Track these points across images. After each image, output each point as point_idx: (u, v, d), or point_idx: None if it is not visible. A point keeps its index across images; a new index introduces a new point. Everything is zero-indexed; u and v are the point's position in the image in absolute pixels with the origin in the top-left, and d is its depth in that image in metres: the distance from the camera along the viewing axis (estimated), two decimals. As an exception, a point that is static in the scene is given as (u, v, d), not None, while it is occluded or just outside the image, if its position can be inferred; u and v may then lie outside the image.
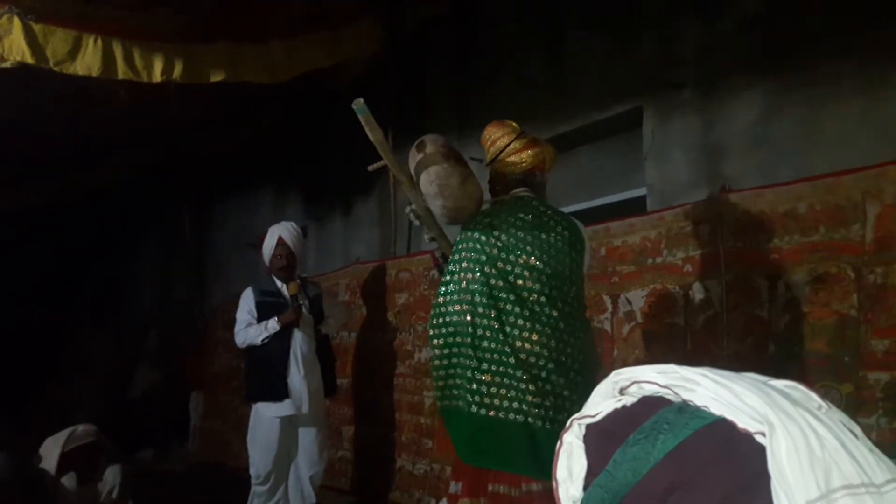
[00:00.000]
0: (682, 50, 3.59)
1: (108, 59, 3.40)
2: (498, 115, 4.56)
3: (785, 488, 0.49)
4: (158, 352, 8.60)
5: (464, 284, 2.46)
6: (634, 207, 3.77)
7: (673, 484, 0.53)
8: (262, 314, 4.08)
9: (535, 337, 2.34)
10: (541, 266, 2.43)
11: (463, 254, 2.51)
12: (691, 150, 3.51)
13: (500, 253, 2.45)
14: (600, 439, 0.59)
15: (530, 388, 2.28)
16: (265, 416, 4.02)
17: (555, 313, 2.38)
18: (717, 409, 0.54)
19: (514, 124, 2.74)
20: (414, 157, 2.59)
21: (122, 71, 3.49)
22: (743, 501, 0.51)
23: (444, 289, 2.53)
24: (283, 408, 4.00)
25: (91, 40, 3.40)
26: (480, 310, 2.38)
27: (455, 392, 2.39)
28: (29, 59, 3.26)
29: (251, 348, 4.10)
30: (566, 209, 4.29)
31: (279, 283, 4.20)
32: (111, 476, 3.83)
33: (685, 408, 0.56)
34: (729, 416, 0.54)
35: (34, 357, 9.16)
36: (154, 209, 9.34)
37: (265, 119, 6.46)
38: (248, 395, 4.20)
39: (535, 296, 2.39)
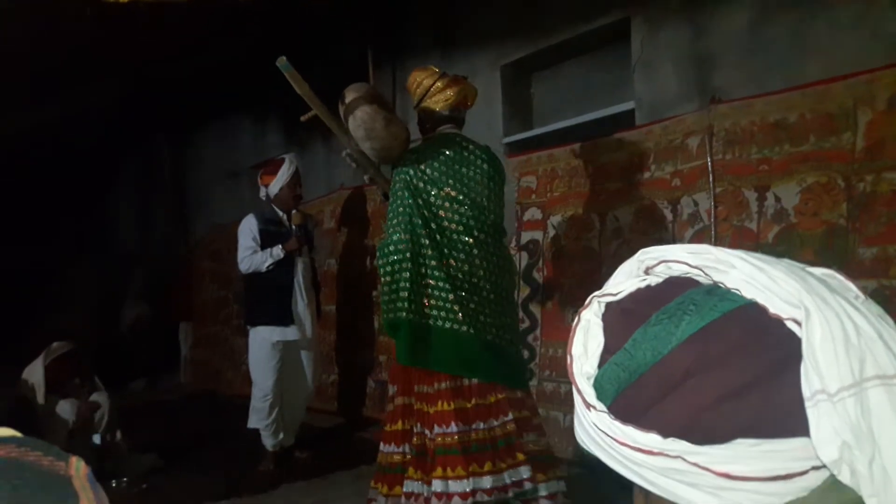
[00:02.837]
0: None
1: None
2: (481, 32, 4.49)
3: (818, 373, 0.48)
4: (144, 284, 8.56)
5: (400, 216, 2.77)
6: (623, 122, 3.71)
7: (693, 366, 0.51)
8: (265, 242, 4.12)
9: (452, 262, 2.74)
10: (461, 198, 2.78)
11: (397, 189, 2.81)
12: (681, 61, 3.43)
13: (426, 186, 2.78)
14: (620, 317, 0.57)
15: (452, 298, 2.70)
16: (269, 339, 4.09)
17: (470, 240, 2.76)
18: (749, 293, 0.52)
19: (435, 68, 3.01)
20: (341, 107, 2.79)
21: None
22: (765, 387, 0.49)
23: (388, 220, 2.84)
24: (289, 332, 4.11)
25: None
26: (414, 236, 2.73)
27: (399, 305, 2.72)
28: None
29: (254, 275, 4.13)
30: (552, 126, 4.24)
31: (280, 213, 4.21)
32: (101, 400, 3.88)
33: (715, 289, 0.53)
34: (761, 300, 0.51)
35: (17, 296, 9.10)
36: (130, 140, 9.12)
37: (241, 42, 6.24)
38: (249, 320, 4.25)
39: (454, 225, 2.77)
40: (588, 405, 0.55)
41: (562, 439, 3.50)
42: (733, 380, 0.50)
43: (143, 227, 9.73)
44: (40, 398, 3.58)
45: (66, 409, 3.63)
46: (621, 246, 3.54)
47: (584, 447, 0.57)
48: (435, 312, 2.71)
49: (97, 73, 6.41)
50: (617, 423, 0.52)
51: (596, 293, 0.59)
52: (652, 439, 0.51)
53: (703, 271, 0.54)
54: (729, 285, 0.53)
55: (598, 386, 0.55)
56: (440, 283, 2.72)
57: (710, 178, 3.12)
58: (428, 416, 2.69)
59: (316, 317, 4.33)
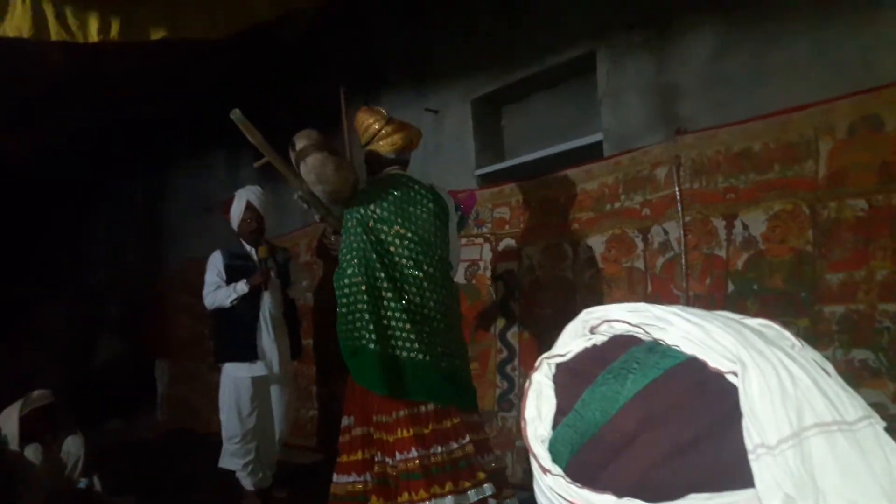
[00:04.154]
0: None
1: (38, 20, 3.20)
2: (451, 65, 4.55)
3: (757, 426, 0.49)
4: (118, 320, 8.45)
5: (354, 251, 2.93)
6: (593, 153, 3.76)
7: (642, 423, 0.52)
8: (231, 277, 4.08)
9: (406, 294, 2.88)
10: (409, 235, 2.94)
11: (350, 227, 2.98)
12: (646, 92, 3.50)
13: (377, 224, 2.95)
14: (570, 378, 0.58)
15: (409, 327, 2.85)
16: (236, 377, 4.05)
17: (420, 274, 2.91)
18: (688, 349, 0.53)
19: (382, 111, 3.16)
20: (292, 153, 2.95)
21: (54, 31, 3.30)
22: (714, 439, 0.50)
23: (341, 255, 2.99)
24: (255, 368, 4.05)
25: (19, 1, 3.21)
26: (369, 271, 2.89)
27: (356, 335, 2.87)
28: (-47, 22, 3.07)
29: (220, 311, 4.10)
30: (523, 158, 4.28)
31: (248, 247, 4.18)
32: (74, 447, 3.81)
33: (656, 347, 0.54)
34: (700, 356, 0.52)
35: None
36: (103, 174, 9.05)
37: (214, 77, 6.26)
38: (218, 357, 4.20)
39: (404, 260, 2.92)
40: (544, 469, 0.55)
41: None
42: (680, 436, 0.50)
43: (116, 261, 9.61)
44: (13, 445, 3.50)
45: (30, 453, 3.56)
46: (595, 275, 3.57)
47: None
48: (393, 342, 2.86)
49: (70, 108, 6.38)
50: (573, 486, 0.53)
51: (545, 355, 0.60)
52: (607, 500, 0.51)
53: (644, 329, 0.55)
54: (669, 342, 0.54)
55: (553, 449, 0.56)
56: (397, 314, 2.87)
57: (679, 207, 3.17)
58: (388, 444, 2.80)
59: (288, 351, 4.27)
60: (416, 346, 2.84)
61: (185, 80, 6.15)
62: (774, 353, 0.52)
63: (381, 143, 3.06)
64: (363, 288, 2.87)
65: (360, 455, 2.90)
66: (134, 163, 8.58)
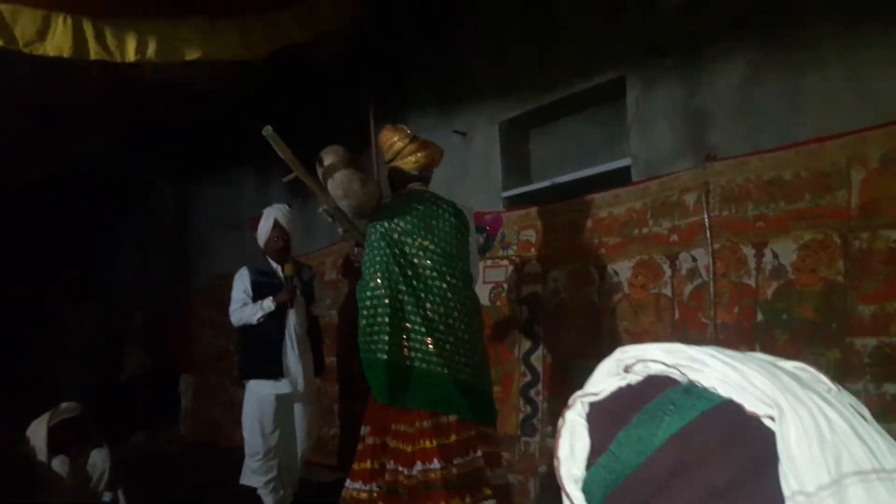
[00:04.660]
0: (664, 17, 3.54)
1: (78, 39, 3.29)
2: (480, 88, 4.58)
3: (795, 473, 0.48)
4: (145, 333, 8.54)
5: (378, 263, 2.98)
6: (619, 178, 3.75)
7: (677, 466, 0.51)
8: (258, 294, 4.12)
9: (428, 305, 2.93)
10: (432, 247, 3.01)
11: (373, 240, 3.04)
12: (675, 118, 3.49)
13: (401, 237, 3.01)
14: (604, 418, 0.58)
15: (429, 340, 2.89)
16: (261, 394, 4.07)
17: (444, 285, 2.96)
18: (724, 391, 0.52)
19: (406, 129, 3.25)
20: (319, 168, 3.04)
21: (94, 51, 3.39)
22: (749, 485, 0.50)
23: (364, 268, 3.04)
24: (280, 386, 4.07)
25: (60, 19, 3.29)
26: (392, 283, 2.94)
27: (374, 347, 2.91)
28: (-3, 41, 3.16)
29: (246, 327, 4.14)
30: (550, 181, 4.28)
31: (274, 264, 4.22)
32: (99, 460, 3.83)
33: (692, 388, 0.54)
34: (737, 399, 0.52)
35: (16, 340, 9.05)
36: (134, 189, 9.21)
37: (246, 95, 6.36)
38: (243, 373, 4.23)
39: (428, 271, 2.98)
40: None
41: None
42: (716, 479, 0.50)
43: (144, 275, 9.73)
44: (40, 456, 3.55)
45: (57, 465, 3.59)
46: (621, 300, 3.54)
47: None
48: (413, 354, 2.90)
49: (103, 121, 6.52)
50: None
51: (578, 393, 0.60)
52: None
53: (679, 370, 0.55)
54: (705, 384, 0.53)
55: (587, 489, 0.56)
56: (416, 327, 2.91)
57: (708, 234, 3.14)
58: (406, 454, 2.84)
59: (312, 369, 4.29)
60: (437, 357, 2.89)
61: (217, 96, 6.26)
62: (811, 397, 0.51)
63: (404, 160, 3.14)
64: (385, 301, 2.92)
65: (368, 464, 2.94)
66: (165, 177, 8.71)
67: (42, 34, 3.24)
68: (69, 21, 3.30)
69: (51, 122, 6.00)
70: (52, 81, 4.57)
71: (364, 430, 3.05)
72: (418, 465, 2.79)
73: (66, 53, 3.31)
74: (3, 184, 7.49)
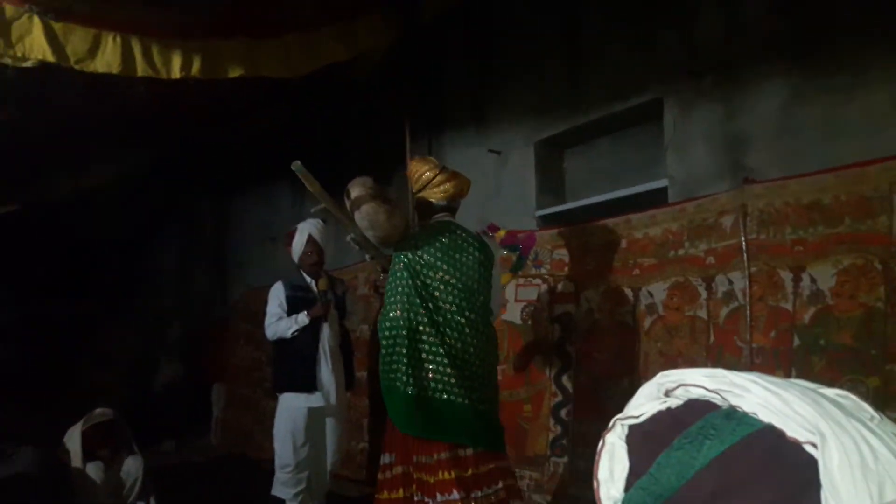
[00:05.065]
0: (702, 39, 3.54)
1: (127, 57, 3.41)
2: (515, 108, 4.61)
3: (837, 500, 0.48)
4: (180, 344, 8.68)
5: (399, 294, 3.04)
6: (655, 199, 3.74)
7: (717, 490, 0.52)
8: (292, 308, 4.16)
9: (447, 339, 2.98)
10: (454, 282, 3.06)
11: (397, 270, 3.09)
12: (713, 140, 3.47)
13: (423, 269, 3.06)
14: (644, 441, 0.58)
15: (450, 371, 2.94)
16: (294, 407, 4.09)
17: (462, 320, 3.02)
18: (765, 417, 0.53)
19: (434, 160, 3.33)
20: (347, 200, 3.12)
21: (141, 68, 3.50)
22: None
23: (387, 297, 3.10)
24: (313, 399, 4.09)
25: (110, 38, 3.41)
26: (411, 314, 2.99)
27: (394, 375, 2.96)
28: (50, 58, 3.27)
29: (280, 341, 4.18)
30: (586, 201, 4.28)
31: (308, 279, 4.27)
32: (133, 467, 3.90)
33: (733, 413, 0.55)
34: (778, 425, 0.52)
35: (57, 350, 9.27)
36: (175, 202, 9.40)
37: (283, 111, 6.47)
38: (276, 386, 4.27)
39: (448, 305, 3.03)
40: None
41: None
42: None
43: (182, 287, 9.91)
44: (75, 462, 3.62)
45: (92, 471, 3.66)
46: (655, 322, 3.51)
47: None
48: (433, 385, 2.95)
49: (146, 139, 6.68)
50: None
51: (619, 416, 0.61)
52: None
53: (721, 395, 0.56)
54: (746, 409, 0.54)
55: None
56: (438, 358, 2.96)
57: (745, 258, 3.11)
58: (429, 485, 2.87)
59: (344, 383, 4.31)
60: (457, 389, 2.94)
61: (257, 112, 6.38)
62: (854, 425, 0.52)
63: (432, 190, 3.19)
64: (404, 333, 2.97)
65: (401, 493, 2.95)
66: (205, 192, 8.88)
67: (93, 52, 3.36)
68: (118, 39, 3.42)
69: (98, 139, 6.16)
70: (99, 98, 4.71)
71: (388, 457, 3.07)
72: (438, 497, 2.83)
73: (115, 70, 3.42)
74: (51, 198, 7.71)
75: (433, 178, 3.18)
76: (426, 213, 3.27)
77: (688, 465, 0.53)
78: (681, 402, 0.58)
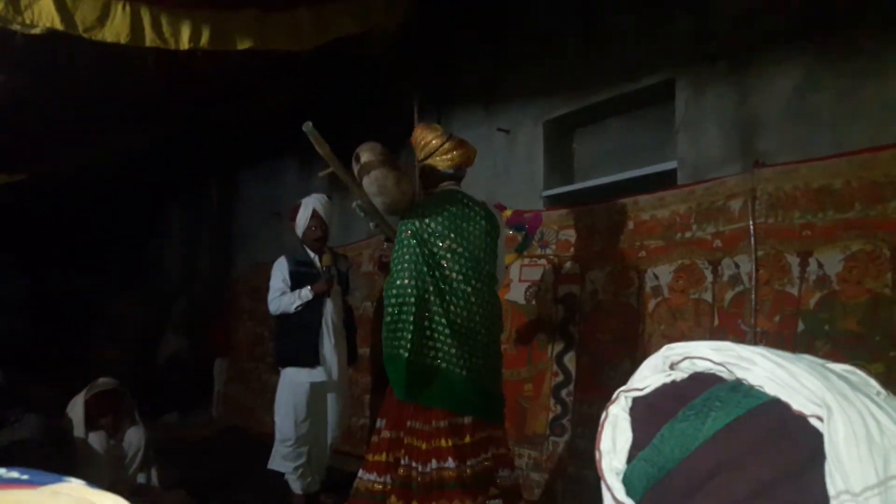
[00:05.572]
0: (716, 21, 3.50)
1: (136, 26, 3.38)
2: (526, 87, 4.57)
3: (841, 473, 0.48)
4: (184, 318, 8.72)
5: (406, 262, 3.02)
6: (665, 181, 3.71)
7: (721, 462, 0.51)
8: (295, 283, 4.17)
9: (452, 307, 2.97)
10: (460, 250, 3.04)
11: (404, 238, 3.07)
12: (725, 123, 3.44)
13: (430, 238, 3.04)
14: (647, 413, 0.58)
15: (451, 342, 2.93)
16: (296, 381, 4.12)
17: (468, 289, 3.00)
18: (772, 390, 0.52)
19: (439, 127, 3.29)
20: (355, 165, 3.09)
21: (150, 38, 3.47)
22: (794, 483, 0.50)
23: (393, 265, 3.08)
24: (315, 374, 4.12)
25: (119, 7, 3.38)
26: (418, 282, 2.97)
27: (398, 343, 2.95)
28: (58, 26, 3.24)
29: (283, 316, 4.19)
30: (593, 182, 4.25)
31: (312, 254, 4.27)
32: (136, 438, 3.93)
33: (739, 386, 0.54)
34: (784, 398, 0.52)
35: (65, 322, 9.34)
36: (181, 177, 9.39)
37: (291, 87, 6.44)
38: (279, 361, 4.29)
39: (455, 274, 3.01)
40: (617, 502, 0.56)
41: (592, 499, 3.43)
42: (760, 476, 0.50)
43: (187, 262, 9.94)
44: (77, 431, 3.64)
45: (94, 441, 3.68)
46: (660, 304, 3.51)
47: None
48: (434, 353, 2.95)
49: (154, 113, 6.66)
50: None
51: (622, 388, 0.60)
52: None
53: (727, 368, 0.55)
54: (752, 382, 0.53)
55: (628, 482, 0.56)
56: (439, 328, 2.96)
57: (752, 241, 3.09)
58: (421, 451, 2.88)
59: (346, 359, 4.34)
60: (457, 360, 2.94)
61: (265, 88, 6.35)
62: (860, 399, 0.51)
63: (438, 158, 3.15)
64: (411, 300, 2.96)
65: (384, 457, 2.99)
66: (211, 167, 8.87)
67: (102, 20, 3.32)
68: (128, 8, 3.39)
69: (106, 112, 6.14)
70: (109, 70, 4.68)
71: (380, 422, 3.09)
72: (433, 463, 2.84)
73: (123, 39, 3.39)
74: (59, 170, 7.70)
75: (440, 145, 3.14)
76: (431, 181, 3.23)
77: (692, 437, 0.53)
78: (686, 375, 0.58)
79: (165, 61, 4.16)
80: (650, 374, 0.60)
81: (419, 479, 2.85)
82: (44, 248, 9.86)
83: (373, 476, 3.00)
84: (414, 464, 2.88)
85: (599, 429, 0.60)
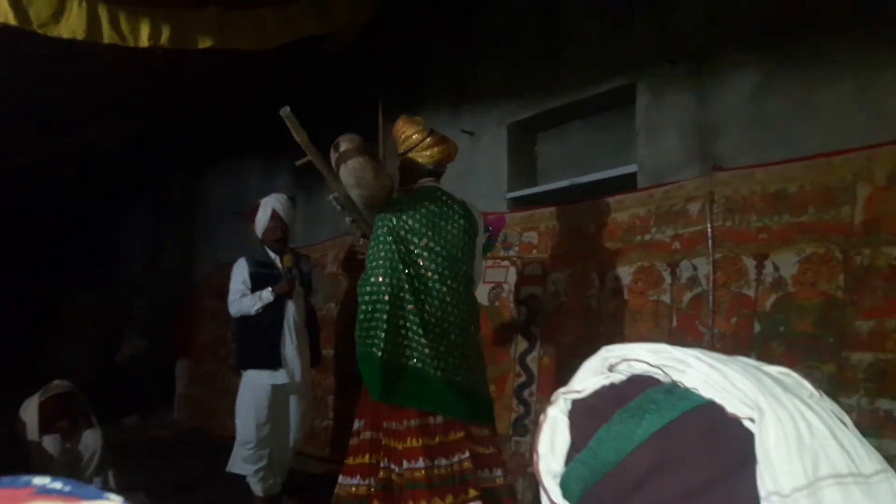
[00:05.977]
0: (677, 26, 3.55)
1: (93, 22, 3.31)
2: (490, 89, 4.58)
3: (771, 474, 0.49)
4: (145, 318, 8.58)
5: (381, 260, 2.96)
6: (626, 184, 3.76)
7: (655, 465, 0.52)
8: (256, 285, 4.11)
9: (427, 307, 2.91)
10: (437, 249, 2.97)
11: (380, 234, 3.00)
12: (684, 127, 3.49)
13: (406, 235, 2.97)
14: (586, 415, 0.58)
15: (424, 342, 2.88)
16: (257, 384, 4.06)
17: (444, 288, 2.94)
18: (706, 392, 0.53)
19: (422, 121, 3.16)
20: (333, 155, 3.00)
21: (107, 35, 3.40)
22: (726, 485, 0.50)
23: (368, 262, 3.01)
24: (277, 376, 4.07)
25: (75, 2, 3.31)
26: (393, 280, 2.92)
27: (371, 342, 2.90)
28: (12, 21, 3.16)
29: (244, 318, 4.13)
30: (556, 184, 4.29)
31: (272, 255, 4.22)
32: (91, 441, 3.85)
33: (674, 389, 0.55)
34: (718, 400, 0.52)
35: (21, 324, 9.10)
36: (142, 176, 9.23)
37: (256, 86, 6.37)
38: (240, 363, 4.23)
39: (430, 273, 2.94)
40: None
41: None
42: (693, 479, 0.50)
43: (149, 262, 9.77)
44: (31, 435, 3.56)
45: (49, 444, 3.60)
46: (620, 306, 3.55)
47: None
48: (408, 353, 2.89)
49: (114, 111, 6.53)
50: None
51: (561, 390, 0.61)
52: None
53: (663, 370, 0.56)
54: (687, 384, 0.54)
55: (564, 484, 0.56)
56: (413, 327, 2.90)
57: (710, 244, 3.15)
58: (396, 451, 2.84)
59: (309, 360, 4.28)
60: (430, 360, 2.87)
61: (228, 87, 6.27)
62: (792, 401, 0.52)
63: (420, 153, 3.08)
64: (385, 298, 2.90)
65: (366, 459, 2.93)
66: (173, 165, 8.74)
67: (57, 16, 3.25)
68: (84, 4, 3.32)
69: (63, 108, 6.00)
70: (66, 66, 4.58)
71: (358, 423, 3.03)
72: (405, 464, 2.79)
73: (79, 36, 3.32)
74: (13, 170, 7.51)
75: (421, 140, 3.07)
76: (410, 176, 3.15)
77: (627, 440, 0.53)
78: (624, 377, 0.58)
79: (124, 59, 4.09)
80: (589, 376, 0.60)
81: (397, 480, 2.81)
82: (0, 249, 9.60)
83: (355, 480, 2.94)
84: (392, 465, 2.84)
85: (538, 431, 0.60)
